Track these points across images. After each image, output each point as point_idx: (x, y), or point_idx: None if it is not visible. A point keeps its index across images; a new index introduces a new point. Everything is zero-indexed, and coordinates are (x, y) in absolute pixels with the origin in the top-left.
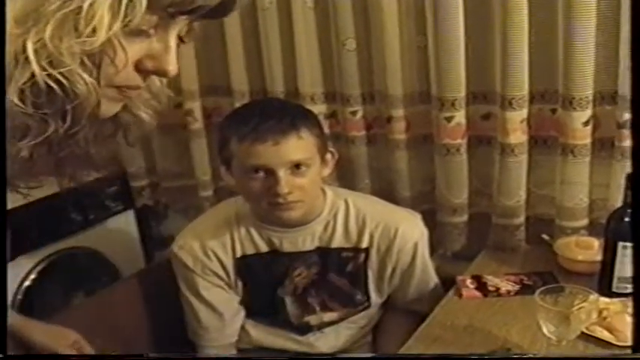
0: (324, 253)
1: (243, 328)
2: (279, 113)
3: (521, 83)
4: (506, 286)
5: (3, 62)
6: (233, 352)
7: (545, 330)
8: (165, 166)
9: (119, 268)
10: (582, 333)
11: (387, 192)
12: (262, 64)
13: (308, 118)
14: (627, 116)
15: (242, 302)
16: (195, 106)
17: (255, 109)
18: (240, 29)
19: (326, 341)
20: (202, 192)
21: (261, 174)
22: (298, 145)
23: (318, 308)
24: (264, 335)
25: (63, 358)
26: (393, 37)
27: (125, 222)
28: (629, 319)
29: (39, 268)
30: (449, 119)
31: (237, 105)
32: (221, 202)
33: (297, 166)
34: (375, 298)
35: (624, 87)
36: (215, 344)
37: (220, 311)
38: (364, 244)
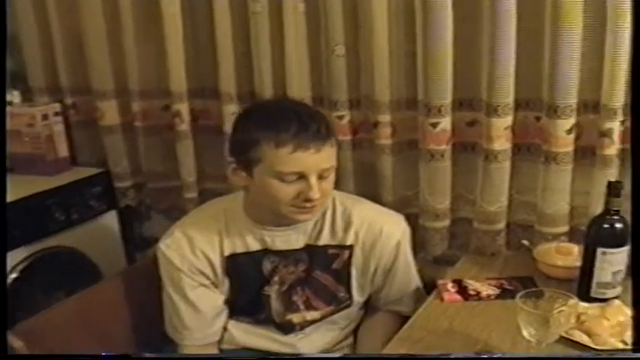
0: (312, 250)
1: (225, 328)
2: (316, 121)
3: (507, 91)
4: (486, 290)
5: (3, 62)
6: (214, 352)
7: (525, 333)
8: (151, 167)
9: (101, 267)
10: (561, 336)
11: (370, 196)
12: (251, 67)
13: (332, 126)
14: (609, 125)
15: (226, 301)
16: (183, 107)
17: (288, 114)
18: (231, 32)
19: (308, 342)
20: (187, 193)
21: (293, 178)
22: (331, 153)
23: (302, 307)
24: (246, 335)
25: (63, 358)
26: (381, 43)
27: (108, 222)
28: (606, 324)
29: (21, 266)
30: (434, 125)
31: (226, 106)
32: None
33: (324, 172)
34: (357, 297)
35: (606, 96)
36: (196, 343)
37: (204, 311)
38: (349, 242)
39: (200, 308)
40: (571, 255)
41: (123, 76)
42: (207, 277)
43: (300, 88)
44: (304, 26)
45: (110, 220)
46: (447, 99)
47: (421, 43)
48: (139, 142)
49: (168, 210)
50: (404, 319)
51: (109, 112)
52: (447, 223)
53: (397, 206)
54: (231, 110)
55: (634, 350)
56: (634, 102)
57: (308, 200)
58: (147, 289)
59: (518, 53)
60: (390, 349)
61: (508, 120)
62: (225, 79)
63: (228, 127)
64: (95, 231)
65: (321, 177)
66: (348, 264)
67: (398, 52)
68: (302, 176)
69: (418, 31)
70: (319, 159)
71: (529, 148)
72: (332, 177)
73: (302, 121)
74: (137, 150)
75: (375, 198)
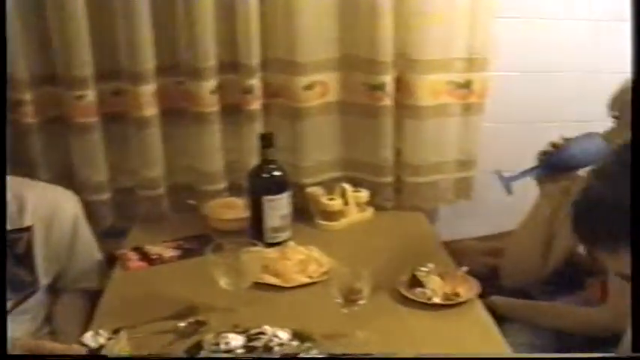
0: None
1: None
2: None
3: (147, 58)
4: (168, 252)
5: (4, 62)
6: None
7: (222, 283)
8: None
9: None
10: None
11: (21, 176)
12: None
13: None
14: (249, 82)
15: None
16: None
17: None
18: None
19: None
20: None
21: None
22: None
23: None
24: None
25: (63, 358)
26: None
27: None
28: (289, 264)
29: None
30: (80, 98)
31: None
32: None
33: None
34: (43, 279)
35: (243, 55)
36: None
37: None
38: (27, 223)
39: None
40: (237, 208)
41: None
42: None
43: None
44: None
45: None
46: (89, 70)
47: (52, 18)
48: None
49: None
50: (92, 295)
51: None
52: (109, 195)
53: (54, 183)
54: None
55: (634, 350)
56: (634, 103)
57: None
58: None
59: (154, 21)
60: (96, 326)
61: (152, 87)
62: None
63: None
64: None
65: None
66: (30, 246)
67: (29, 28)
68: None
69: (50, 5)
70: None
71: (178, 112)
72: None
73: None
74: None
75: (30, 177)
